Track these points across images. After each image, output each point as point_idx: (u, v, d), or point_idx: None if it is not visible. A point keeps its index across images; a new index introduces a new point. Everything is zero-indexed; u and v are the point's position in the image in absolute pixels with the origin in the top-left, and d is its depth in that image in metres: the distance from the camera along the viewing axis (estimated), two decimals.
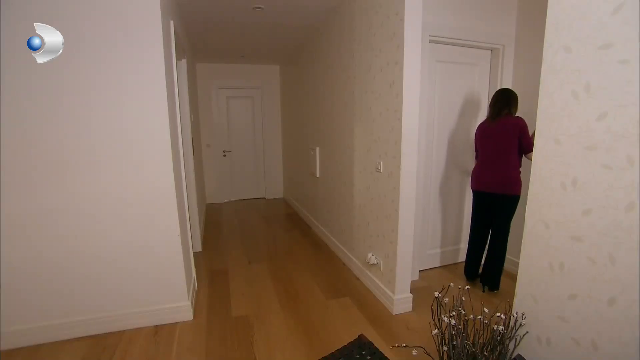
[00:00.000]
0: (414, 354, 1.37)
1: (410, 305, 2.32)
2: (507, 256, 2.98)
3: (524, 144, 2.26)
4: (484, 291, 2.53)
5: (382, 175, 2.37)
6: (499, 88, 2.62)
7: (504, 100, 2.36)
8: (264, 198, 6.10)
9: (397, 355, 1.84)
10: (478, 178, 2.51)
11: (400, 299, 2.28)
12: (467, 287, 1.48)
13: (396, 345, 1.93)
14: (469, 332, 1.36)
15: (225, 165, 5.76)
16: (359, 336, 1.49)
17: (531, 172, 1.31)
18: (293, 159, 5.26)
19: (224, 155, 5.74)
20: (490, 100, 2.47)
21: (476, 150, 2.60)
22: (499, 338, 1.32)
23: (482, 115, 2.84)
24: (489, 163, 2.43)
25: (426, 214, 2.81)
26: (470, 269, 2.67)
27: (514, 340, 1.38)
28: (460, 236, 3.03)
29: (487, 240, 2.59)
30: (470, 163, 2.89)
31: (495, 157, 2.38)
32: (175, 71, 2.40)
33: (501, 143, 2.34)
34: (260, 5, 2.90)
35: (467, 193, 2.95)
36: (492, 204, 2.46)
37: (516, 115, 2.37)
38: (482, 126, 2.51)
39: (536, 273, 1.32)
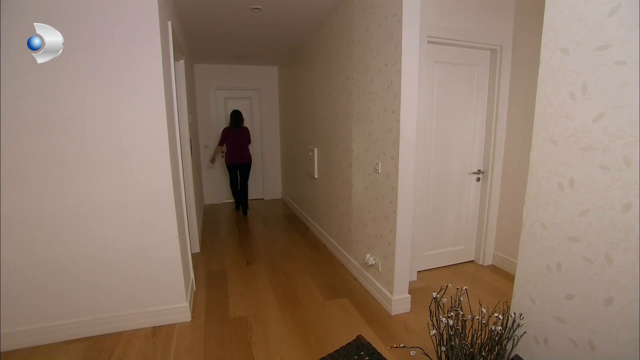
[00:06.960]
0: (412, 354, 1.38)
1: (409, 306, 2.32)
2: (505, 257, 3.00)
3: (249, 140, 4.94)
4: (245, 215, 5.01)
5: (380, 176, 2.37)
6: (234, 109, 4.89)
7: (240, 116, 4.81)
8: (262, 199, 6.09)
9: (396, 356, 1.84)
10: (234, 157, 4.83)
11: (398, 300, 2.28)
12: (465, 287, 1.49)
13: (394, 345, 1.93)
14: (467, 333, 1.36)
15: (223, 166, 5.73)
16: (357, 337, 1.49)
17: (529, 173, 1.32)
18: (291, 159, 5.26)
19: (222, 157, 5.71)
20: (233, 117, 4.78)
21: (224, 143, 4.84)
22: (496, 338, 1.33)
23: (482, 115, 2.86)
24: (239, 150, 4.83)
25: (424, 215, 2.81)
26: (239, 205, 5.21)
27: (511, 341, 1.39)
28: (458, 237, 3.03)
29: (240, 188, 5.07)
30: (470, 163, 2.91)
31: (242, 146, 4.86)
32: (173, 72, 2.40)
33: (244, 138, 4.87)
34: (258, 6, 2.90)
35: (466, 194, 2.96)
36: (242, 169, 4.93)
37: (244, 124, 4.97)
38: (229, 130, 4.79)
39: (534, 273, 1.33)
